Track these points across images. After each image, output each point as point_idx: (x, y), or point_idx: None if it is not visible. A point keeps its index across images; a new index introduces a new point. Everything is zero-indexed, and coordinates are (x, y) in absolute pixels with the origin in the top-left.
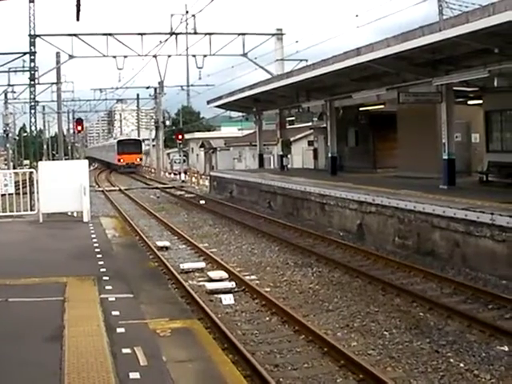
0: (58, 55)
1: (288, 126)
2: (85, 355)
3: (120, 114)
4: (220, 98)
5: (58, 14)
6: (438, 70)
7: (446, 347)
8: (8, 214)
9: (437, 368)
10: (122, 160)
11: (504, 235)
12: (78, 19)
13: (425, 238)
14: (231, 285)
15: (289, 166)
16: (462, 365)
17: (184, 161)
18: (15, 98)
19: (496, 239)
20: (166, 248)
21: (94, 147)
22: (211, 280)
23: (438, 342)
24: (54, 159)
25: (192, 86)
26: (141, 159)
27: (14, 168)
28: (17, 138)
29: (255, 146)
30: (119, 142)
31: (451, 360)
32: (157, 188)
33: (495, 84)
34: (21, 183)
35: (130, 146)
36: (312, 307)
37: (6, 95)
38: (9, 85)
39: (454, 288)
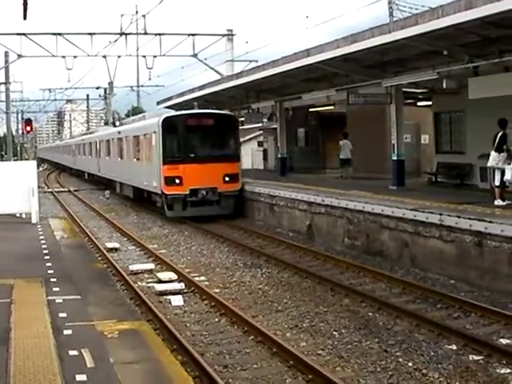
0: (6, 54)
1: None
2: (31, 358)
3: (70, 115)
4: (170, 98)
5: (5, 12)
6: (387, 71)
7: (395, 347)
8: None
9: (386, 367)
10: (180, 181)
11: (452, 235)
12: (25, 18)
13: (374, 239)
14: (180, 286)
15: None
16: (410, 364)
17: None
18: None
19: (445, 239)
20: (116, 249)
21: (53, 146)
22: (160, 281)
23: (386, 342)
24: (2, 160)
25: (142, 86)
26: (237, 177)
27: None
28: None
29: None
30: (169, 120)
31: (400, 359)
32: (106, 189)
33: (444, 86)
34: None
35: (205, 133)
36: (261, 308)
37: None
38: None
39: (402, 288)
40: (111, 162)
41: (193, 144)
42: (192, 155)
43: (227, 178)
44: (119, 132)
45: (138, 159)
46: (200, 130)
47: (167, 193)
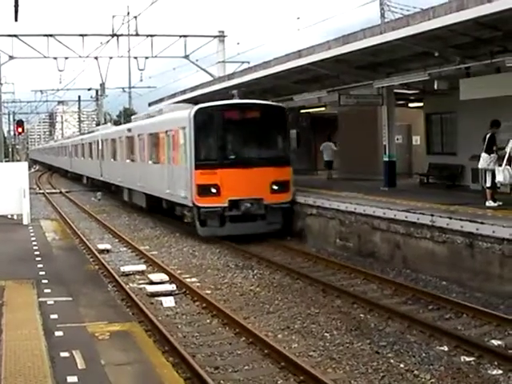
0: None
1: None
2: (22, 359)
3: (61, 116)
4: (161, 100)
5: None
6: (378, 72)
7: (387, 348)
8: None
9: (377, 369)
10: (216, 190)
11: (444, 236)
12: (16, 19)
13: (366, 240)
14: (172, 287)
15: None
16: (402, 365)
17: None
18: None
19: (436, 240)
20: (107, 251)
21: (46, 148)
22: (152, 283)
23: (378, 343)
24: None
25: (134, 87)
26: (287, 185)
27: None
28: None
29: None
30: (204, 113)
31: (391, 361)
32: (98, 190)
33: (435, 87)
34: None
35: (248, 129)
36: (253, 309)
37: None
38: None
39: (394, 289)
40: (118, 164)
41: (233, 143)
42: (232, 157)
43: (275, 187)
44: (129, 129)
45: (156, 162)
46: (242, 125)
47: (200, 205)
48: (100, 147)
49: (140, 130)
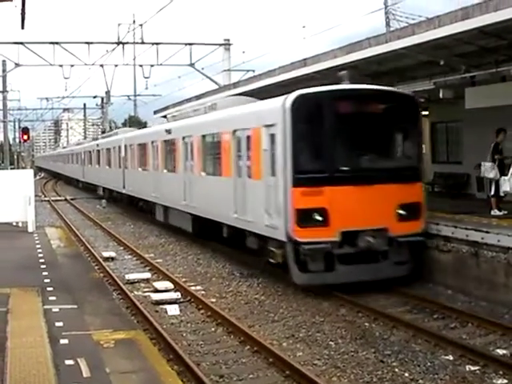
0: (3, 63)
1: None
2: (27, 367)
3: (67, 124)
4: (167, 108)
5: (2, 21)
6: (383, 81)
7: (391, 357)
8: None
9: (382, 378)
10: (323, 218)
11: (449, 245)
12: (22, 27)
13: None
14: (177, 295)
15: None
16: (406, 374)
17: None
18: None
19: (441, 249)
20: (112, 258)
21: (54, 155)
22: (157, 291)
23: (383, 352)
24: None
25: (139, 95)
26: (418, 210)
27: None
28: None
29: None
30: (307, 102)
31: (396, 370)
32: (103, 198)
33: (441, 96)
34: None
35: (368, 128)
36: (257, 318)
37: None
38: None
39: (399, 298)
40: (149, 175)
41: (348, 148)
42: (345, 168)
43: (403, 212)
44: (169, 131)
45: (214, 174)
46: (362, 121)
47: (300, 240)
48: (123, 154)
49: (186, 132)
